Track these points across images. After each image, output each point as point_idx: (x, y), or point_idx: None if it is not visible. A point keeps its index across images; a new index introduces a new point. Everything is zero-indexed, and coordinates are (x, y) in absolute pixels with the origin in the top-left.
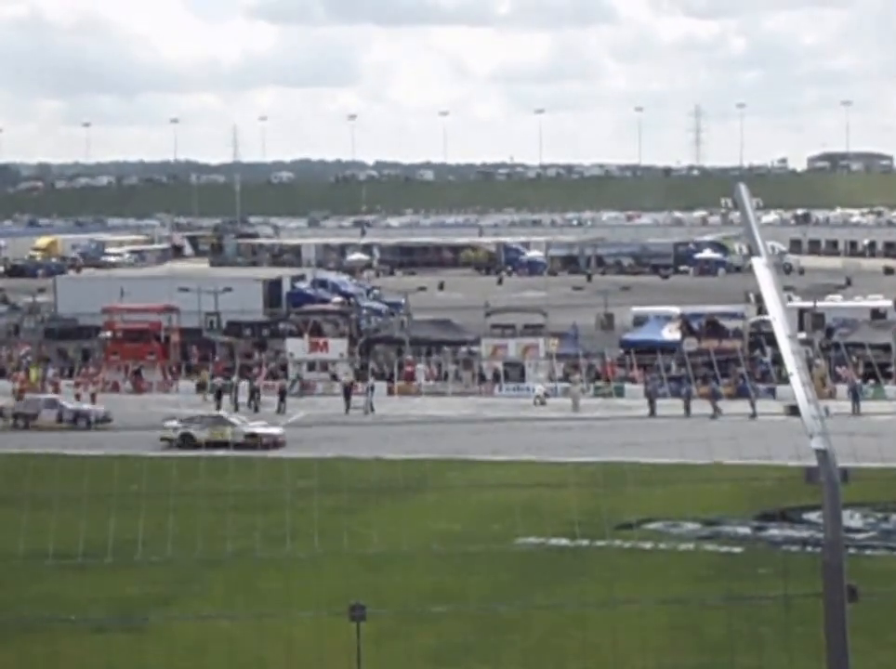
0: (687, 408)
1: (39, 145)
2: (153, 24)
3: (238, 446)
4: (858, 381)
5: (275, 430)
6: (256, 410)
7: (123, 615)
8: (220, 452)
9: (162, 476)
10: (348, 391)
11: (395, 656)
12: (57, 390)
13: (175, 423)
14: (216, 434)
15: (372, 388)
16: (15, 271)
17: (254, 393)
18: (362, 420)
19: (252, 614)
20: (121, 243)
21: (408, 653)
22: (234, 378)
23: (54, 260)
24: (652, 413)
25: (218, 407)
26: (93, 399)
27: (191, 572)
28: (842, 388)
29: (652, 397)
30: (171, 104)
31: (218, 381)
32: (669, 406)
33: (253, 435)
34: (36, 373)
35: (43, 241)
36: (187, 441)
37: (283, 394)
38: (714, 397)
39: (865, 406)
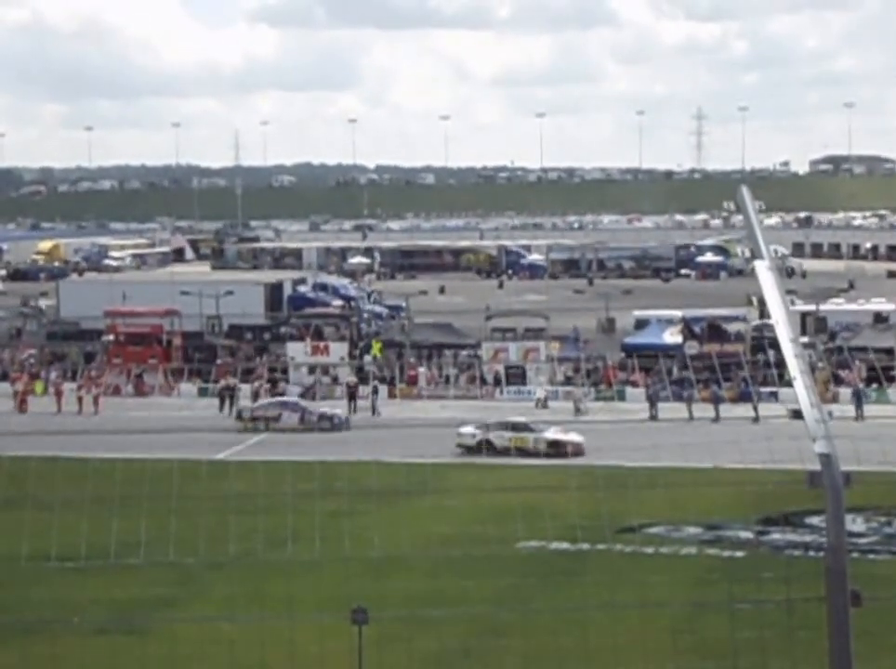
0: (689, 411)
1: (42, 149)
2: (155, 28)
3: (540, 454)
4: (861, 385)
5: (577, 438)
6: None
7: (124, 617)
8: (521, 461)
9: (163, 478)
10: (353, 393)
11: (397, 660)
12: (59, 394)
13: (471, 429)
14: (516, 441)
15: (376, 391)
16: (17, 275)
17: (232, 395)
18: (364, 423)
19: (253, 617)
20: (123, 247)
21: (409, 657)
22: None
23: (56, 264)
24: (654, 417)
25: (223, 409)
26: (95, 402)
27: (192, 575)
28: (845, 392)
29: (653, 400)
30: (173, 108)
31: (231, 382)
32: (671, 410)
33: (556, 442)
34: (42, 385)
35: (45, 245)
36: (485, 448)
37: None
38: (716, 401)
39: (868, 410)
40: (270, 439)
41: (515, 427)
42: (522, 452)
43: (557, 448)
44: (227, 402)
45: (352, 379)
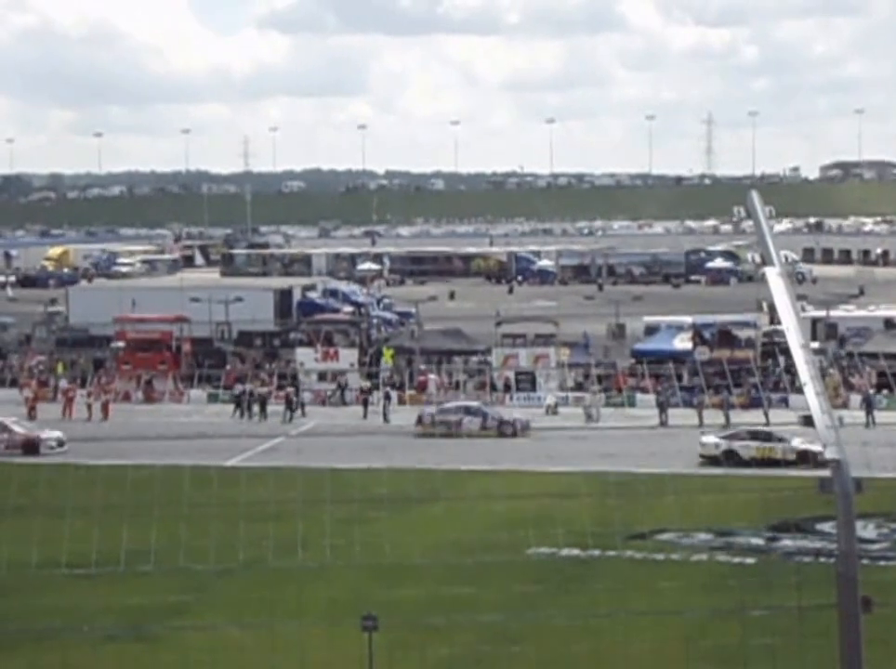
0: (700, 418)
1: (51, 155)
2: (164, 35)
3: (789, 464)
4: (871, 391)
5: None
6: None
7: (134, 625)
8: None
9: (173, 485)
10: (366, 399)
11: (407, 667)
12: (71, 400)
13: (714, 438)
14: (764, 451)
15: (388, 397)
16: (27, 281)
17: (264, 402)
18: (374, 429)
19: (264, 624)
20: (132, 253)
21: (420, 664)
22: (248, 386)
23: (66, 270)
24: (664, 423)
25: (244, 415)
26: (104, 408)
27: (203, 582)
28: (856, 398)
29: (663, 406)
30: (182, 114)
31: (248, 388)
32: (681, 416)
33: (805, 453)
34: (64, 367)
35: (55, 251)
36: (731, 458)
37: (289, 403)
38: (726, 407)
39: (879, 416)
40: (282, 445)
41: (760, 436)
42: (769, 462)
43: (805, 458)
44: (244, 407)
45: (366, 384)
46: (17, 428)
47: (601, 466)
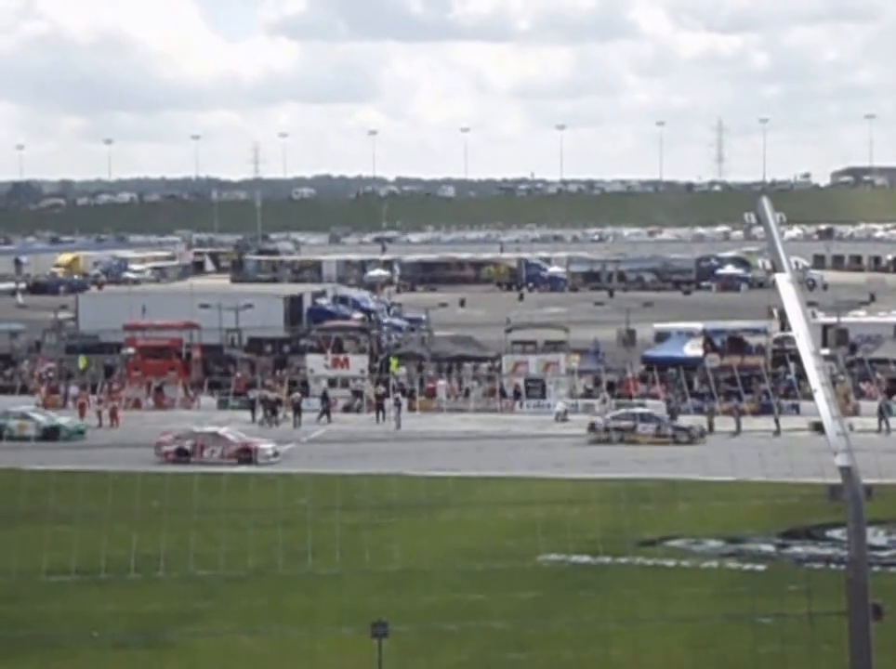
0: (710, 424)
1: (61, 162)
2: (174, 41)
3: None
4: (880, 397)
5: None
6: (277, 424)
7: (144, 631)
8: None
9: (183, 492)
10: (381, 404)
11: None
12: (84, 407)
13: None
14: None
15: (398, 404)
16: (37, 288)
17: (274, 408)
18: (383, 436)
19: (274, 631)
20: (142, 260)
21: None
22: (263, 392)
23: (76, 277)
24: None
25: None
26: (114, 415)
27: (213, 589)
28: (866, 405)
29: (674, 413)
30: (192, 121)
31: (269, 394)
32: (692, 422)
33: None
34: (85, 362)
35: (65, 257)
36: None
37: (297, 409)
38: (737, 413)
39: (893, 422)
40: (295, 452)
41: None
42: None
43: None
44: (259, 412)
45: (381, 388)
46: (232, 438)
47: (611, 473)
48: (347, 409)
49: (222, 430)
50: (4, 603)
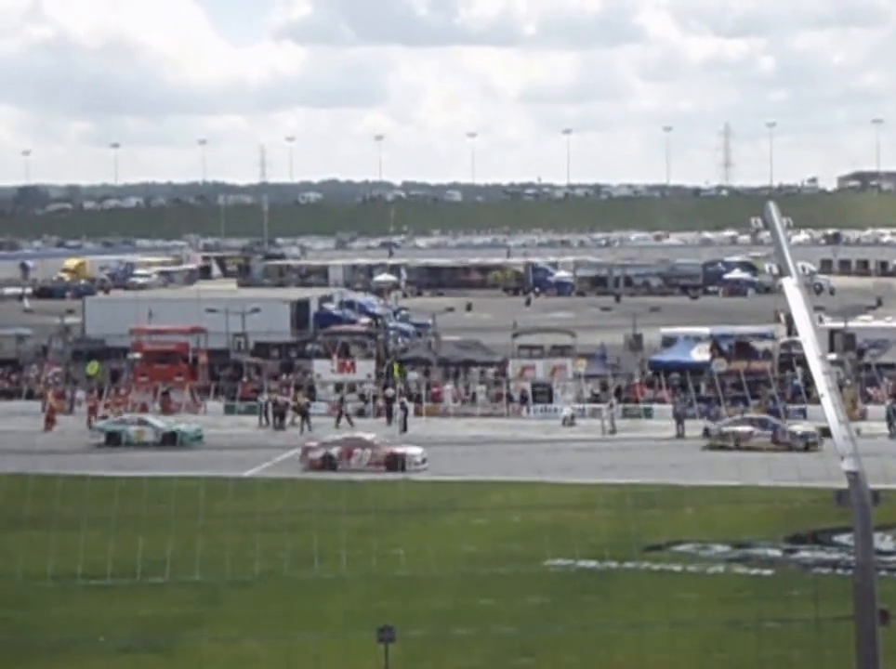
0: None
1: (68, 166)
2: (181, 45)
3: None
4: (888, 401)
5: None
6: (284, 428)
7: (150, 636)
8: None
9: (189, 497)
10: (390, 408)
11: None
12: (94, 411)
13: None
14: None
15: (405, 409)
16: (44, 293)
17: (283, 412)
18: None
19: (280, 636)
20: (149, 265)
21: None
22: (264, 397)
23: (82, 281)
24: (681, 435)
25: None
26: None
27: (219, 593)
28: (873, 410)
29: (680, 418)
30: (199, 125)
31: (278, 398)
32: (698, 427)
33: None
34: (96, 367)
35: (71, 262)
36: None
37: (304, 414)
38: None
39: None
40: (298, 457)
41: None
42: None
43: None
44: (269, 417)
45: (390, 391)
46: (380, 444)
47: (618, 478)
48: (360, 414)
49: (370, 436)
50: (11, 608)
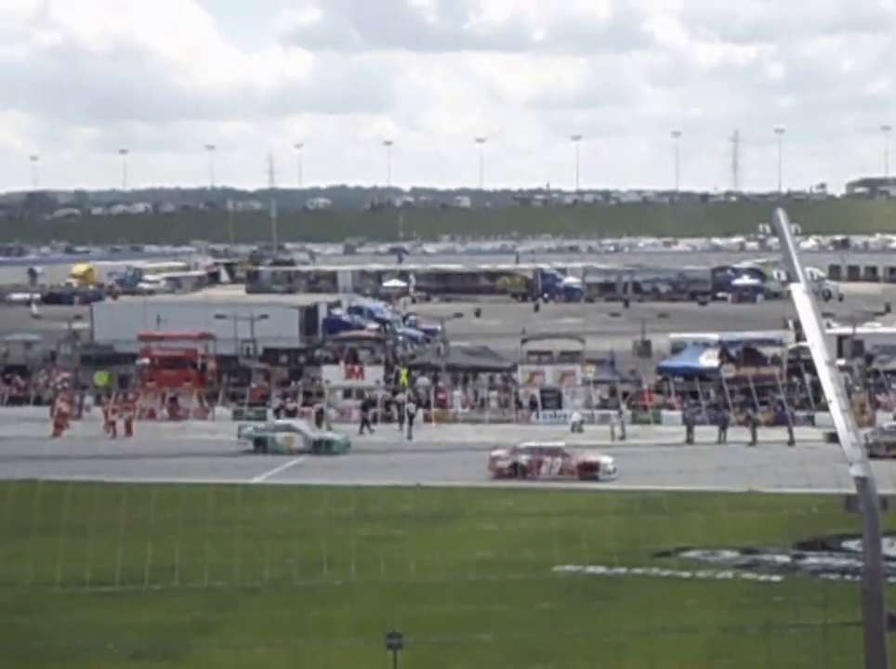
0: (723, 435)
1: (76, 172)
2: (189, 51)
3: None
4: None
5: None
6: None
7: (159, 643)
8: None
9: (198, 503)
10: (402, 413)
11: None
12: (111, 416)
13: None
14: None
15: (411, 415)
16: (52, 298)
17: (292, 418)
18: (398, 447)
19: (289, 642)
20: (157, 270)
21: None
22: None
23: (91, 287)
24: (690, 441)
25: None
26: (128, 426)
27: (228, 600)
28: (882, 416)
29: (689, 424)
30: (207, 131)
31: (287, 405)
32: (707, 433)
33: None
34: (105, 378)
35: (79, 268)
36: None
37: (319, 420)
38: (752, 424)
39: None
40: (307, 463)
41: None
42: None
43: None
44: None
45: (401, 396)
46: (571, 453)
47: (627, 484)
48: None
49: (561, 443)
50: (20, 614)
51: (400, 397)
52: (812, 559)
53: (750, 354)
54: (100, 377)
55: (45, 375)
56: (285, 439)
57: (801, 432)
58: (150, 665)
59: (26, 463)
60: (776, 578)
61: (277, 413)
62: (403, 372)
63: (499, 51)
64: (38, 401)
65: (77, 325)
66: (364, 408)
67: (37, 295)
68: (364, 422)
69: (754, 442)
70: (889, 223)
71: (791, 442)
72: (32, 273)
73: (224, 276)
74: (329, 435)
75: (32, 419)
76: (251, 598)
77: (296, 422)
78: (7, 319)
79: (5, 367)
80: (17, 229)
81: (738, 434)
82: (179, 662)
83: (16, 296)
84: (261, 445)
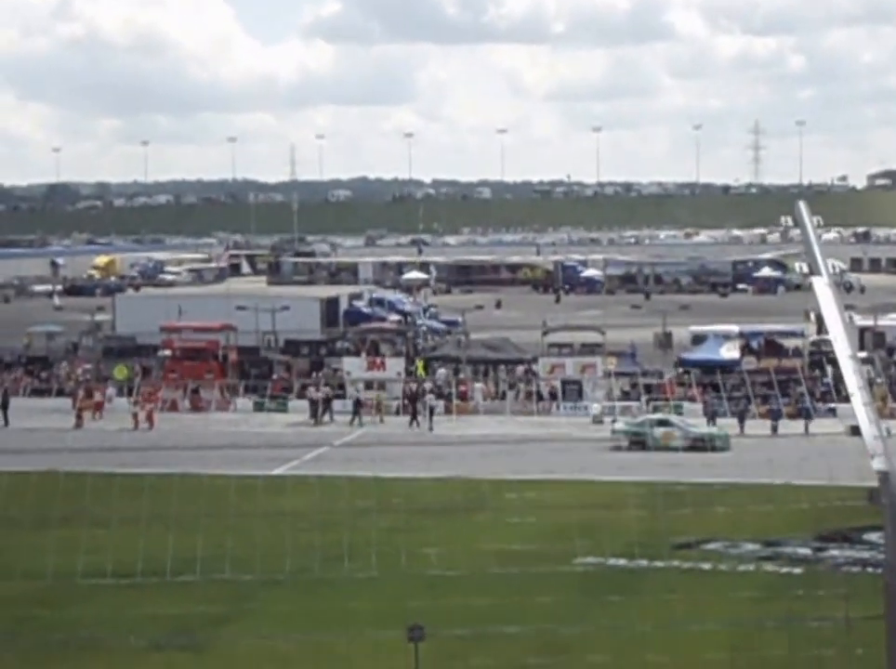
0: (741, 427)
1: (98, 164)
2: (210, 43)
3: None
4: None
5: None
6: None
7: (180, 634)
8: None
9: (220, 495)
10: (431, 407)
11: None
12: (133, 408)
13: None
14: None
15: (432, 408)
16: (74, 290)
17: (322, 406)
18: (420, 439)
19: (310, 634)
20: (179, 262)
21: None
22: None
23: (113, 279)
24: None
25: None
26: (150, 417)
27: (249, 592)
28: None
29: (711, 416)
30: (229, 123)
31: (314, 393)
32: (728, 426)
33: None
34: (125, 371)
35: (101, 259)
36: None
37: (327, 405)
38: (775, 417)
39: None
40: (327, 455)
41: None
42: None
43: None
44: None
45: (426, 386)
46: None
47: (648, 476)
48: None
49: None
50: (41, 606)
51: (426, 386)
52: (834, 552)
53: (771, 346)
54: (120, 371)
55: (67, 367)
56: (663, 434)
57: (823, 425)
58: (171, 657)
59: (48, 454)
60: (798, 570)
61: (314, 401)
62: (420, 363)
63: (520, 43)
64: (60, 393)
65: (99, 317)
66: (412, 400)
67: (59, 287)
68: (414, 415)
69: (775, 434)
70: None
71: (806, 434)
72: (54, 265)
73: (245, 268)
74: (710, 430)
75: (55, 410)
76: (272, 590)
77: (672, 417)
78: (30, 310)
79: (27, 358)
80: (39, 220)
81: (759, 427)
82: (201, 653)
83: (38, 288)
84: (638, 441)
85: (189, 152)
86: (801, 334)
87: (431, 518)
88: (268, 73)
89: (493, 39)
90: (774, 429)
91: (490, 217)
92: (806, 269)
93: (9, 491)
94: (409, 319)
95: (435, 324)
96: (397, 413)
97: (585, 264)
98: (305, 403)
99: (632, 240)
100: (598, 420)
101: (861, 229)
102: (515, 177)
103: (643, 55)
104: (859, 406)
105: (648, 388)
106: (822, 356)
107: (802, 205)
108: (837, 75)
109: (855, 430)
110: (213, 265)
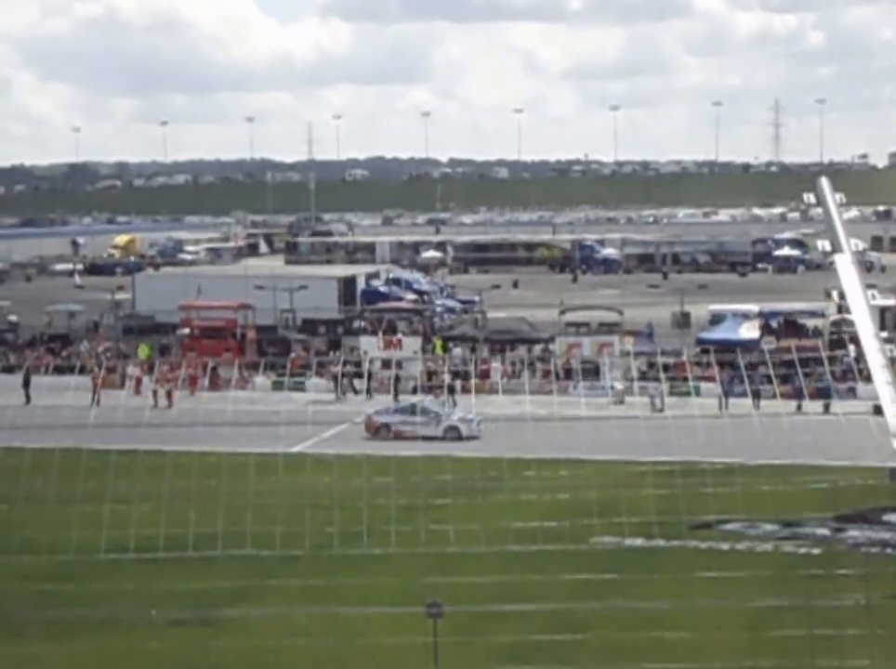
0: (756, 405)
1: (117, 144)
2: (228, 23)
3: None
4: None
5: None
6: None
7: (201, 610)
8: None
9: (240, 472)
10: (451, 387)
11: (472, 653)
12: (139, 383)
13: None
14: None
15: (451, 389)
16: (94, 269)
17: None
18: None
19: (329, 610)
20: (197, 241)
21: (485, 650)
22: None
23: (132, 258)
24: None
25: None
26: (169, 396)
27: (268, 568)
28: None
29: (724, 395)
30: (246, 103)
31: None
32: (747, 406)
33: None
34: (147, 350)
35: (121, 239)
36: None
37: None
38: (798, 396)
39: None
40: (346, 433)
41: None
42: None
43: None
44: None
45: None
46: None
47: (666, 456)
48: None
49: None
50: (63, 582)
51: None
52: (853, 532)
53: (791, 326)
54: (143, 351)
55: (87, 345)
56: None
57: (844, 405)
58: (191, 632)
59: (70, 431)
60: (816, 551)
61: (336, 377)
62: (438, 343)
63: (536, 21)
64: (82, 371)
65: (119, 296)
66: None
67: (80, 266)
68: (451, 391)
69: (799, 411)
70: None
71: (826, 412)
72: (74, 244)
73: (263, 247)
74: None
75: (76, 388)
76: (292, 566)
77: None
78: (51, 289)
79: (48, 336)
80: (59, 200)
81: (778, 406)
82: (220, 629)
83: (59, 267)
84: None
85: (207, 132)
86: (821, 314)
87: (450, 496)
88: (285, 53)
89: (509, 17)
90: (799, 408)
91: (507, 197)
92: (827, 248)
93: (33, 467)
94: (426, 298)
95: (452, 303)
96: (413, 391)
97: (602, 243)
98: (323, 382)
99: (650, 219)
100: (619, 400)
101: (882, 208)
102: (532, 157)
103: (661, 32)
104: (882, 385)
105: (666, 368)
106: (842, 335)
107: (824, 182)
108: (858, 52)
109: (878, 410)
110: (231, 244)
